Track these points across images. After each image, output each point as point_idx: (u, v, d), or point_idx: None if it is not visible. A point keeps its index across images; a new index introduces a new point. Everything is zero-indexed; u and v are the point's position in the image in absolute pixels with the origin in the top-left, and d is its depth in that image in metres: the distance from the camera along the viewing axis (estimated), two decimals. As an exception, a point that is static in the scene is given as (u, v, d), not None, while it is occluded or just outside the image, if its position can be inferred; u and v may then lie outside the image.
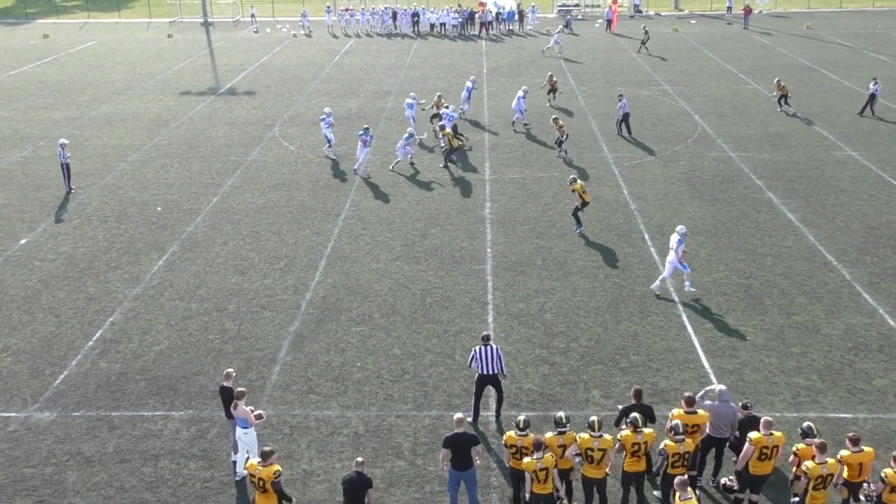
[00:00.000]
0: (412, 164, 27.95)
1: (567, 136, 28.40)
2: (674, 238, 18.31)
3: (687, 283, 18.57)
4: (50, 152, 30.13)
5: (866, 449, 11.36)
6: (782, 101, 34.22)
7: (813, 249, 20.99)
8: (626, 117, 31.06)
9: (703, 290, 18.92)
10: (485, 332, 14.54)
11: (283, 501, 11.45)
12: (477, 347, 14.08)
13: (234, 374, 13.48)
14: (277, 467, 11.28)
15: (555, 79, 36.73)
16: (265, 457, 11.28)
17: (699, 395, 12.69)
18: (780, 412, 14.41)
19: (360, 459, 11.40)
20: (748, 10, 58.78)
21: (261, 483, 11.20)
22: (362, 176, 26.63)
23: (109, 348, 17.03)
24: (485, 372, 14.02)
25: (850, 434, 11.42)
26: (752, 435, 11.58)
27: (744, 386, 15.27)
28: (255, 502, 11.44)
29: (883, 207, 23.74)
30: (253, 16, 64.35)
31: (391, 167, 27.58)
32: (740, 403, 12.50)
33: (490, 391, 14.60)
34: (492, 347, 14.04)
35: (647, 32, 49.40)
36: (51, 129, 33.25)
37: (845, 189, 25.21)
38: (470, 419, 14.15)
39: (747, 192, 25.17)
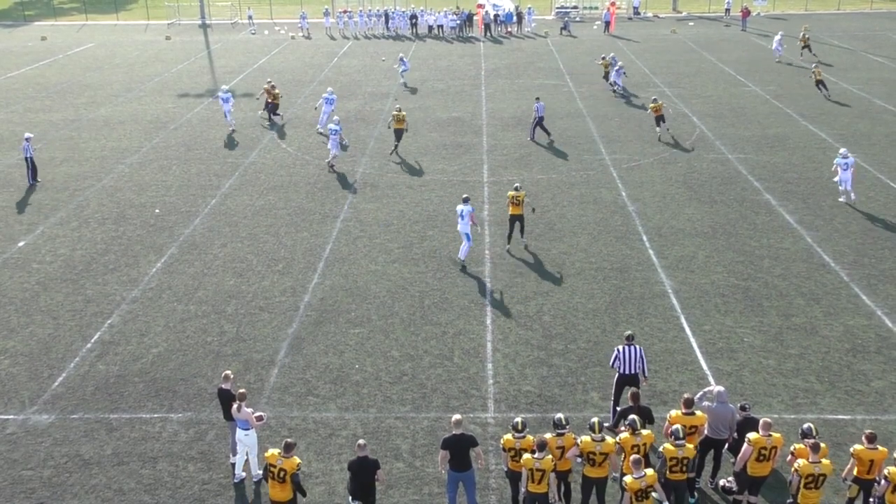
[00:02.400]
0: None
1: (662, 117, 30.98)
2: (839, 161, 22.72)
3: (852, 196, 23.22)
4: (48, 154, 30.17)
5: (881, 448, 11.41)
6: (821, 86, 36.66)
7: (811, 251, 21.01)
8: (540, 121, 30.55)
9: (700, 292, 18.95)
10: (628, 332, 14.14)
11: (299, 494, 11.52)
12: (619, 347, 13.76)
13: (232, 377, 13.49)
14: (299, 460, 11.40)
15: (606, 59, 41.09)
16: (288, 448, 11.37)
17: (697, 396, 12.72)
18: (778, 414, 14.42)
19: (361, 442, 11.48)
20: (746, 12, 58.89)
21: (281, 474, 11.26)
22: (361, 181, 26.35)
23: (108, 350, 17.01)
24: (626, 372, 13.64)
25: (867, 431, 11.50)
26: (751, 435, 11.60)
27: (742, 387, 15.28)
28: (270, 494, 11.50)
29: (880, 209, 23.77)
30: (250, 17, 64.32)
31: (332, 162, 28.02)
32: (738, 405, 12.51)
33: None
34: (635, 347, 13.68)
35: (807, 38, 46.45)
36: (49, 131, 33.22)
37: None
38: (608, 424, 13.28)
39: (745, 193, 25.20)
